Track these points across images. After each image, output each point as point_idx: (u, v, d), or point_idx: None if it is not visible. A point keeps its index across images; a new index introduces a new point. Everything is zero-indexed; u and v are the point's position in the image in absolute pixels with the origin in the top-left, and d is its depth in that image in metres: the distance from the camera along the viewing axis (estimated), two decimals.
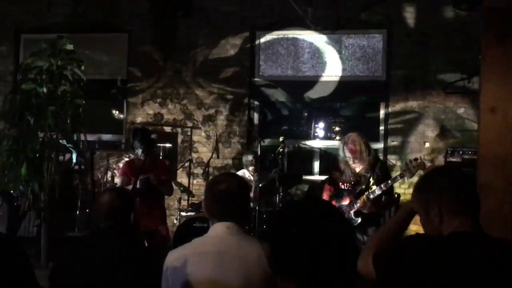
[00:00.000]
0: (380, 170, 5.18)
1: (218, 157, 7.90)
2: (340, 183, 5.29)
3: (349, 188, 5.20)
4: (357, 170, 5.20)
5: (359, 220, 5.07)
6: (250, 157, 6.96)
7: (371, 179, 5.10)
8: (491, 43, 3.73)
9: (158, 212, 5.80)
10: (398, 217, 2.31)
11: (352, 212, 5.09)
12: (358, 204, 5.02)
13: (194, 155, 8.27)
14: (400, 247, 2.04)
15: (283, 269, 1.55)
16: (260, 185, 6.47)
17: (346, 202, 5.16)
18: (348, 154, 5.16)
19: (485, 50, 3.77)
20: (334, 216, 1.59)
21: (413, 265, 1.93)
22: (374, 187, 4.98)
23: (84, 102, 6.52)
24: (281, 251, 1.56)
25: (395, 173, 5.96)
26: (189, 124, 8.45)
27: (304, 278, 1.50)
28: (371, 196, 4.94)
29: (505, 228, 3.51)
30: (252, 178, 6.83)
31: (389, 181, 4.93)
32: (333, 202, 5.27)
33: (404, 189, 7.11)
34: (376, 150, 6.91)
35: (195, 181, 8.09)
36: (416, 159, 4.92)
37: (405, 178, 5.11)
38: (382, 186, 4.91)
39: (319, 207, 1.62)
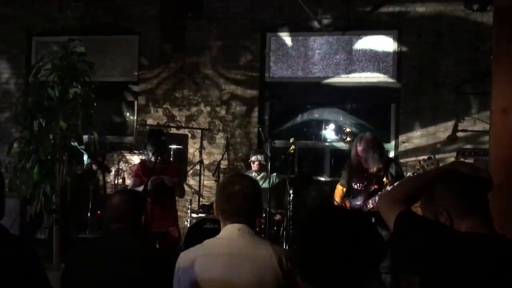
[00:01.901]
0: (393, 170, 5.16)
1: (228, 159, 7.91)
2: (353, 183, 5.29)
3: (362, 188, 5.19)
4: (370, 170, 5.19)
5: (373, 220, 5.05)
6: (259, 157, 6.92)
7: (384, 179, 5.08)
8: (502, 43, 3.71)
9: (170, 214, 5.81)
10: (428, 177, 2.27)
11: (365, 211, 5.08)
12: (372, 204, 5.00)
13: (204, 156, 8.28)
14: (412, 231, 2.05)
15: (308, 273, 1.57)
16: (270, 183, 6.45)
17: (359, 202, 5.15)
18: (361, 155, 5.15)
19: (497, 50, 3.74)
20: (363, 224, 1.61)
21: (422, 255, 1.97)
22: (387, 187, 4.95)
23: (95, 104, 6.55)
24: (308, 256, 1.57)
25: (407, 174, 5.93)
26: (199, 126, 8.46)
27: (328, 283, 1.52)
28: None
29: None
30: (257, 175, 6.80)
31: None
32: (346, 202, 5.28)
33: None
34: (388, 151, 6.88)
35: (205, 183, 8.10)
36: (430, 158, 4.88)
37: None
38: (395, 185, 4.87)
39: (349, 214, 1.64)
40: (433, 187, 2.11)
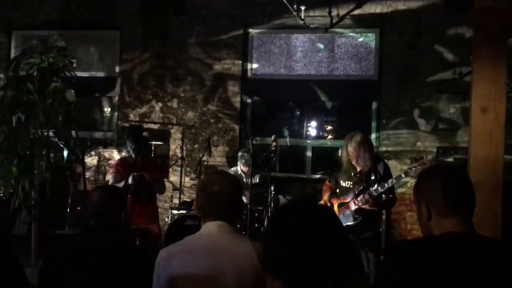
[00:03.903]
0: (381, 168, 5.18)
1: (210, 155, 7.89)
2: (342, 181, 5.32)
3: (351, 186, 5.22)
4: (359, 168, 5.21)
5: (360, 218, 5.10)
6: (246, 155, 6.96)
7: (372, 177, 5.11)
8: (482, 43, 3.74)
9: (150, 210, 5.77)
10: None
11: (353, 209, 5.10)
12: (360, 202, 5.03)
13: (186, 153, 8.26)
14: (389, 251, 2.06)
15: (273, 267, 1.56)
16: (253, 183, 6.48)
17: (347, 199, 5.17)
18: (351, 154, 5.17)
19: (476, 50, 3.78)
20: (329, 220, 1.60)
21: (399, 268, 1.94)
22: (376, 185, 4.98)
23: (75, 99, 6.49)
24: (272, 250, 1.57)
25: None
26: (181, 122, 8.43)
27: (292, 278, 1.51)
28: (374, 194, 4.95)
29: (495, 227, 3.53)
30: (244, 176, 6.85)
31: (393, 179, 4.93)
32: (334, 200, 5.30)
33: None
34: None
35: (186, 179, 8.08)
36: (421, 158, 4.91)
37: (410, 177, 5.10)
38: (385, 184, 4.90)
39: (314, 210, 1.63)
40: (425, 177, 2.14)
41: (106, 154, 8.58)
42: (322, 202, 5.40)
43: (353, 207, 5.11)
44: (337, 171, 5.43)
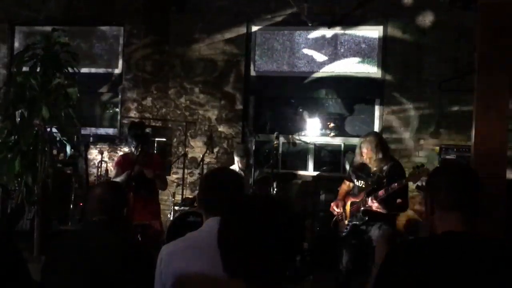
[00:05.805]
0: (394, 171, 5.15)
1: (212, 152, 7.89)
2: (356, 180, 5.34)
3: (363, 186, 5.22)
4: (373, 169, 5.21)
5: (366, 218, 5.09)
6: (241, 152, 6.96)
7: (384, 180, 5.09)
8: (485, 40, 3.74)
9: (152, 206, 5.79)
10: None
11: (361, 210, 5.11)
12: (369, 203, 5.03)
13: (189, 150, 8.26)
14: (391, 250, 2.05)
15: (231, 267, 1.57)
16: (254, 179, 6.47)
17: (358, 199, 5.18)
18: (364, 154, 5.18)
19: (480, 47, 3.77)
20: (282, 217, 1.60)
21: (400, 267, 1.94)
22: (384, 188, 4.96)
23: (78, 95, 6.50)
24: (228, 250, 1.57)
25: None
26: (183, 119, 8.43)
27: (251, 277, 1.52)
28: (379, 198, 4.94)
29: (498, 225, 3.53)
30: (242, 173, 6.83)
31: (395, 184, 4.86)
32: (348, 198, 5.33)
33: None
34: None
35: (189, 176, 8.09)
36: (422, 165, 4.90)
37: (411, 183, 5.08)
38: (388, 188, 4.89)
39: (267, 206, 1.63)
40: (433, 174, 2.18)
41: (109, 150, 8.58)
42: (334, 202, 5.49)
43: (362, 207, 5.11)
44: (353, 169, 5.45)
